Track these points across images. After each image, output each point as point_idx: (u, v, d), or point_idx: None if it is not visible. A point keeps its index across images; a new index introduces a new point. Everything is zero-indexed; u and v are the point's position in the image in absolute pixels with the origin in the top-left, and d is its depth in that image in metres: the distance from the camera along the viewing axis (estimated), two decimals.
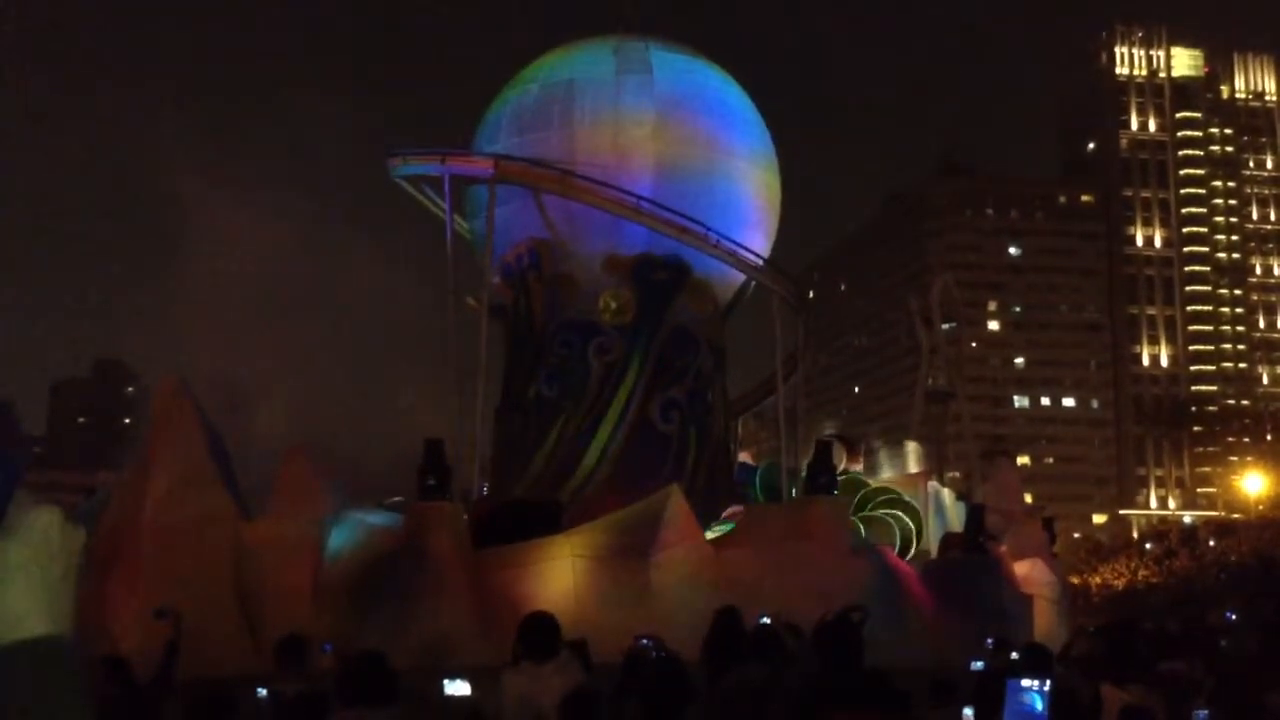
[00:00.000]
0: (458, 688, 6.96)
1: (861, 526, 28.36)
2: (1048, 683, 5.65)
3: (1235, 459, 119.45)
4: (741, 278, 31.73)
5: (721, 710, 7.50)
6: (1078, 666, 9.59)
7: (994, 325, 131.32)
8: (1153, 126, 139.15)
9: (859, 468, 35.14)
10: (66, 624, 4.60)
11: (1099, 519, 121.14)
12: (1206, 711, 7.07)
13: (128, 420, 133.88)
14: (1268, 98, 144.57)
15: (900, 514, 29.07)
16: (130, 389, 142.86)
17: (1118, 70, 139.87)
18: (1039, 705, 5.66)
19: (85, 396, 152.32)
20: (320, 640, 13.49)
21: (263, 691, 7.61)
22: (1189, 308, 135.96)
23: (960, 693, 8.25)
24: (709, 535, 24.58)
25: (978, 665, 10.59)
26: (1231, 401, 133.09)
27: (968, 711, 7.61)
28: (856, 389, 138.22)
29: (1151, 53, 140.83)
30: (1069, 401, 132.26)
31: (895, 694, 5.81)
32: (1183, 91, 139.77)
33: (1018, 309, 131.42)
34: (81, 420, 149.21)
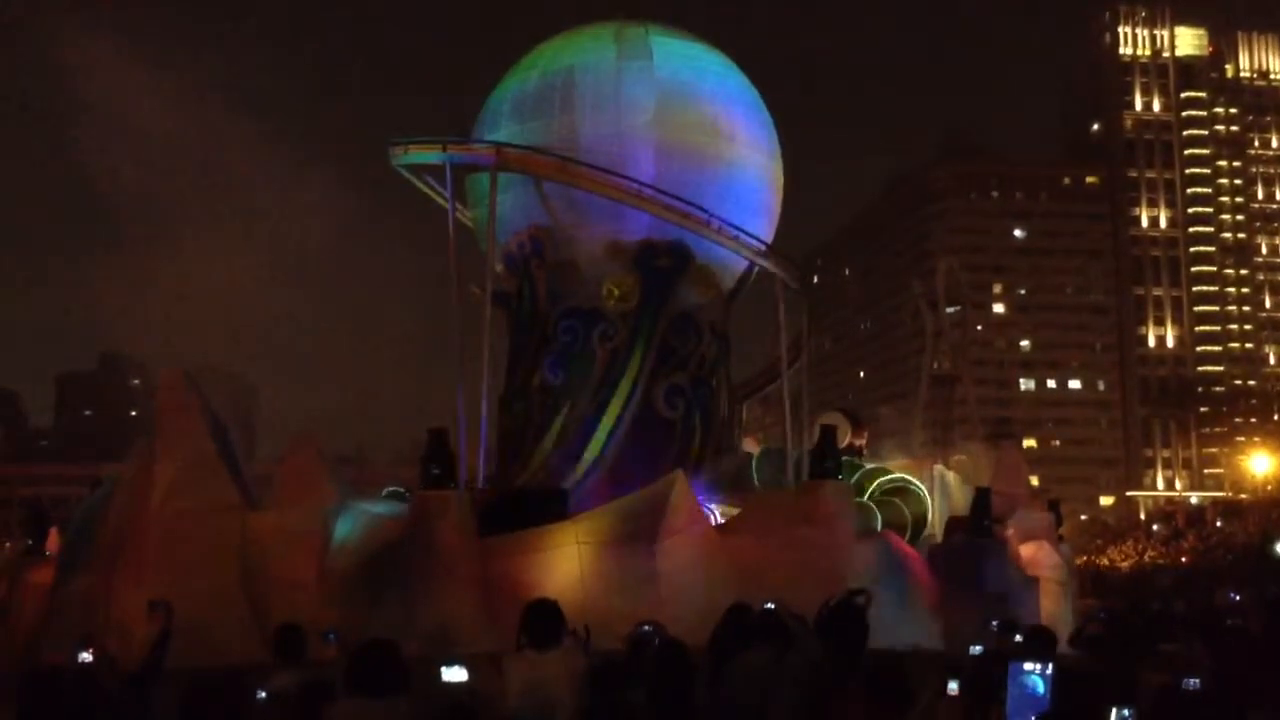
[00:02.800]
0: (455, 674, 6.98)
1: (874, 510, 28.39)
2: (1049, 666, 5.65)
3: (1242, 439, 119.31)
4: (745, 263, 31.68)
5: (725, 695, 7.51)
6: (1087, 649, 9.59)
7: (999, 308, 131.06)
8: (1157, 106, 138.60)
9: (863, 443, 35.16)
10: None
11: (1106, 501, 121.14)
12: (1198, 680, 7.07)
13: (134, 412, 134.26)
14: (1273, 76, 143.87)
15: (896, 501, 28.96)
16: (136, 381, 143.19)
17: (1121, 50, 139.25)
18: (1041, 688, 5.66)
19: (91, 389, 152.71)
20: (325, 629, 13.54)
21: (262, 694, 7.63)
22: (1195, 288, 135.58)
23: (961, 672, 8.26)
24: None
25: (976, 650, 10.59)
26: (1238, 382, 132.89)
27: (953, 685, 7.62)
28: (861, 373, 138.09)
29: (1155, 32, 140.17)
30: (1075, 384, 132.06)
31: (902, 678, 5.81)
32: (1187, 71, 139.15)
33: (1023, 291, 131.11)
34: (88, 412, 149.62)
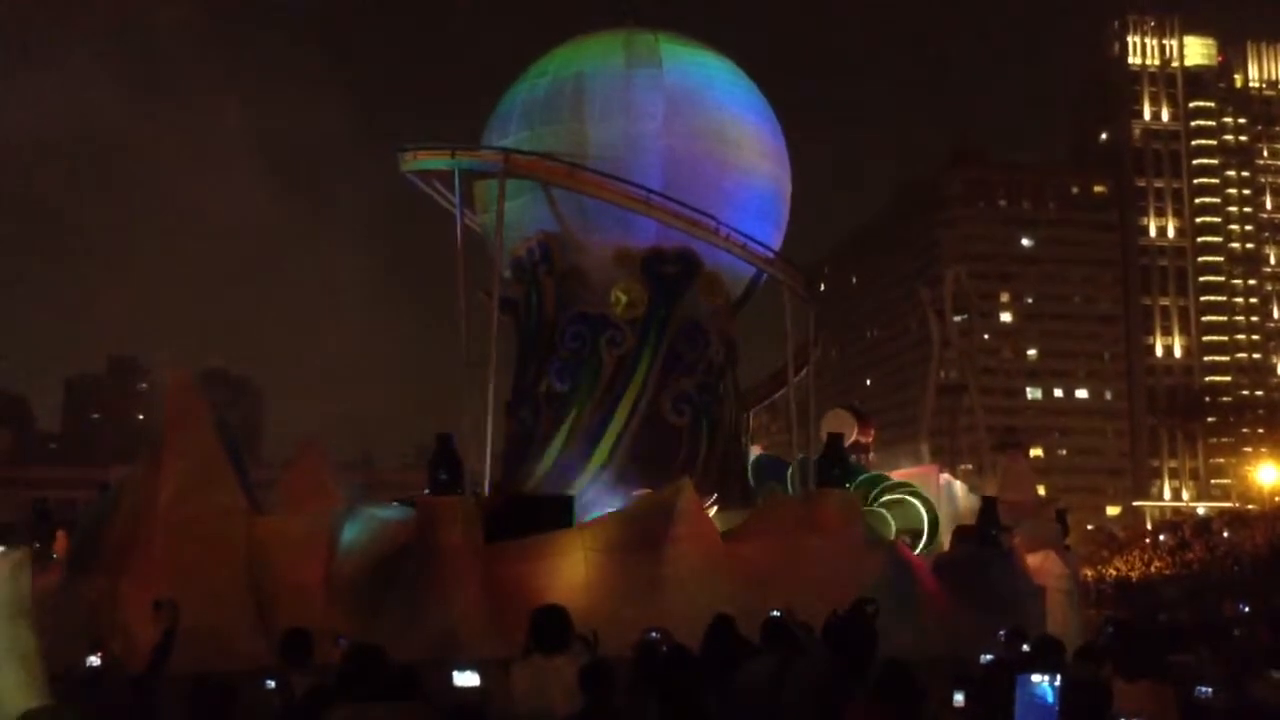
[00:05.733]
0: (467, 678, 7.02)
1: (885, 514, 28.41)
2: (1058, 677, 5.63)
3: (1249, 450, 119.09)
4: (752, 270, 31.69)
5: (733, 703, 7.51)
6: (1094, 661, 9.57)
7: (1006, 317, 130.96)
8: (1165, 116, 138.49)
9: (869, 440, 35.14)
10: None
11: (1113, 511, 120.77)
12: (1210, 689, 7.05)
13: (141, 416, 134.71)
14: None
15: (882, 512, 28.84)
16: (143, 385, 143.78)
17: (1130, 60, 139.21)
18: (1050, 698, 5.64)
19: (99, 392, 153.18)
20: (332, 634, 13.55)
21: (270, 683, 7.66)
22: (1203, 298, 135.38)
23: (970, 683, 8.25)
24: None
25: (987, 658, 10.57)
26: (1246, 392, 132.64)
27: (959, 696, 7.61)
28: (868, 381, 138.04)
29: (1164, 42, 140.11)
30: (1082, 393, 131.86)
31: (912, 687, 5.81)
32: (1196, 81, 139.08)
33: (1030, 300, 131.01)
34: (96, 416, 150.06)
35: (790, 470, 32.02)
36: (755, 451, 35.89)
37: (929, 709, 7.32)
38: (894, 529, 28.11)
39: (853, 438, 32.87)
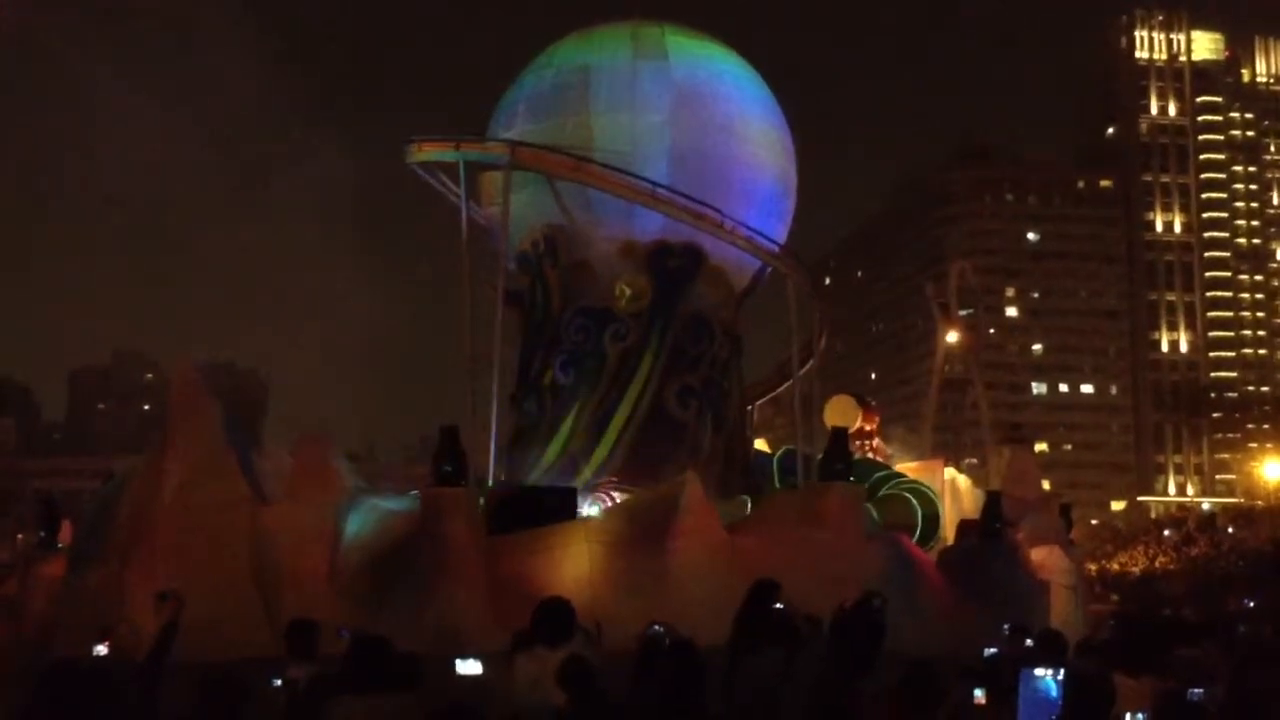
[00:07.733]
0: (469, 667, 7.05)
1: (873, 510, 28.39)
2: (1061, 671, 5.64)
3: (1255, 446, 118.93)
4: (757, 264, 31.66)
5: (737, 697, 7.51)
6: (1096, 656, 9.58)
7: (1012, 312, 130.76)
8: (1173, 111, 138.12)
9: (873, 427, 35.14)
10: None
11: (1117, 506, 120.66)
12: (1201, 690, 7.03)
13: (146, 406, 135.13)
14: None
15: (868, 506, 28.75)
16: (149, 376, 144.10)
17: (1137, 54, 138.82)
18: (1054, 692, 5.65)
19: (104, 383, 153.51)
20: (336, 625, 13.57)
21: (277, 682, 7.67)
22: (1209, 293, 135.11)
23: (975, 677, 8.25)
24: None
25: (990, 652, 10.58)
26: (1251, 388, 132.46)
27: (978, 691, 7.62)
28: (873, 375, 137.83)
29: (1172, 36, 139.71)
30: (1087, 388, 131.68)
31: (934, 683, 5.81)
32: (1203, 75, 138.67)
33: (1036, 295, 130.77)
34: (101, 406, 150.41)
35: (813, 467, 32.11)
36: (760, 447, 35.90)
37: (949, 704, 7.33)
38: (880, 523, 28.08)
39: (857, 424, 32.90)
